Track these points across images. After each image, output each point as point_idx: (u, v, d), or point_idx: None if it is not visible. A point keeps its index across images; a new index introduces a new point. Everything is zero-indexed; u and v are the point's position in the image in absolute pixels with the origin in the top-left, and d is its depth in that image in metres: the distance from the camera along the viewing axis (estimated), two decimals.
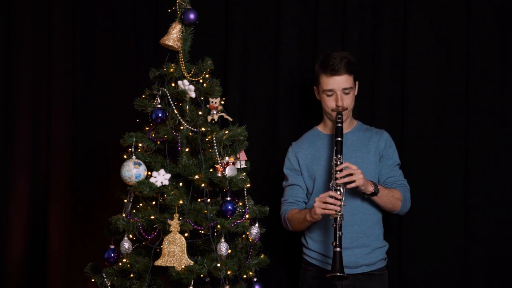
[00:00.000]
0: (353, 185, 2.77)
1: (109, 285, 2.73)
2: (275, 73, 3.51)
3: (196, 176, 2.66)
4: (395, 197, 2.90)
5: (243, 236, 2.81)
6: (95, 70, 3.67)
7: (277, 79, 3.50)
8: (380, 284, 2.97)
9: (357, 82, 2.98)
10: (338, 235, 2.70)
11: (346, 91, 2.90)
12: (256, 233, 2.76)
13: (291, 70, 3.49)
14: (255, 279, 2.80)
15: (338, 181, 2.76)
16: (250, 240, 2.78)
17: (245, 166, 2.82)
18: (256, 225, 2.77)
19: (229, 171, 2.72)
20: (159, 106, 2.72)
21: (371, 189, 2.81)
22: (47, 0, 3.69)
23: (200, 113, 2.74)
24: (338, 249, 2.69)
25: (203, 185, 2.67)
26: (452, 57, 3.36)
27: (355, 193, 2.88)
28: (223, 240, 2.67)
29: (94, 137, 3.66)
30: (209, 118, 2.76)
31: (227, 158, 2.76)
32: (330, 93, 2.91)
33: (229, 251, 2.69)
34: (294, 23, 3.49)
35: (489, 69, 3.31)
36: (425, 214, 3.29)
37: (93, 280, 2.80)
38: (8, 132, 3.70)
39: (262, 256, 2.82)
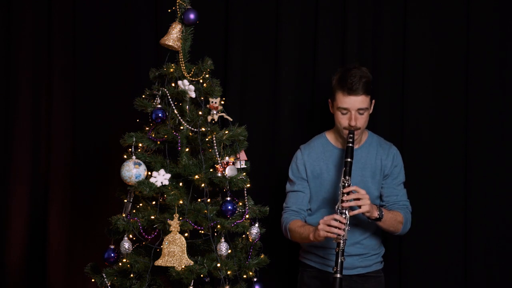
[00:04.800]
0: (359, 211, 2.71)
1: (109, 285, 2.72)
2: (275, 73, 3.50)
3: (196, 176, 2.66)
4: (397, 221, 2.86)
5: (243, 236, 2.81)
6: (95, 70, 3.67)
7: (277, 79, 3.49)
8: (375, 286, 2.97)
9: (373, 101, 2.93)
10: (339, 261, 2.65)
11: (361, 111, 2.83)
12: (256, 233, 2.76)
13: (291, 70, 3.49)
14: (255, 279, 2.80)
15: (344, 204, 2.70)
16: (250, 240, 2.78)
17: (245, 166, 2.82)
18: (256, 225, 2.77)
19: (229, 171, 2.72)
20: (159, 106, 2.72)
21: (376, 214, 2.76)
22: (47, 0, 3.69)
23: (200, 113, 2.74)
24: (338, 275, 2.64)
25: (203, 185, 2.67)
26: (452, 57, 3.36)
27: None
28: (223, 240, 2.67)
29: (94, 137, 3.66)
30: (209, 118, 2.75)
31: (227, 158, 2.75)
32: (344, 111, 2.83)
33: (229, 251, 2.69)
34: (294, 23, 3.49)
35: (489, 68, 3.31)
36: (425, 214, 3.28)
37: (93, 280, 2.80)
38: (8, 133, 3.69)
39: (262, 256, 2.82)
